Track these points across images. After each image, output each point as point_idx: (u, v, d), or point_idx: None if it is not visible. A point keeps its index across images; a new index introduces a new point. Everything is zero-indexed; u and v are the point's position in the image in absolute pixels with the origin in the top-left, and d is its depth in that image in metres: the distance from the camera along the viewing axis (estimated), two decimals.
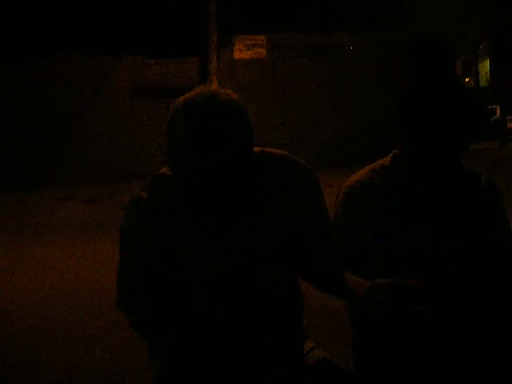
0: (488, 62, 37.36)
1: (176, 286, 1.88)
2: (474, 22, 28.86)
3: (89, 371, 4.46)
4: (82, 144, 16.76)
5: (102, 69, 16.92)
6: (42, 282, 7.00)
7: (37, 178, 15.83)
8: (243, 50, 17.80)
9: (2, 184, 15.27)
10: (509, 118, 25.29)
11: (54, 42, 16.37)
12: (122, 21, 17.03)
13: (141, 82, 17.12)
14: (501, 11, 25.77)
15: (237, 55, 17.71)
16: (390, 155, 2.17)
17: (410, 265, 2.02)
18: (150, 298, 1.92)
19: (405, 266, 2.01)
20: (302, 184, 1.95)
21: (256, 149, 1.88)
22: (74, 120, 16.76)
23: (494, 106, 28.55)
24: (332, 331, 4.41)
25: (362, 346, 2.15)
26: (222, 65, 17.08)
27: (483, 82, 38.20)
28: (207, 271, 1.85)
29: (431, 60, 2.04)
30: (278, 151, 1.97)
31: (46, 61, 16.42)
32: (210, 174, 1.71)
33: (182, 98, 1.76)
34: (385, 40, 18.19)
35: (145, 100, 17.07)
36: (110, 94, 16.99)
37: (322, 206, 1.99)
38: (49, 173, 16.19)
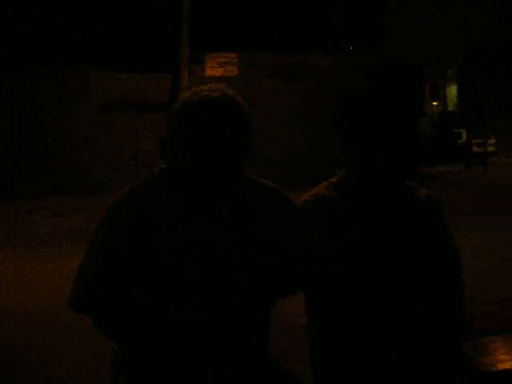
0: (455, 86, 37.92)
1: (154, 281, 1.92)
2: (443, 46, 29.30)
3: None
4: (53, 157, 16.63)
5: (73, 82, 16.84)
6: (6, 294, 6.94)
7: (6, 190, 15.64)
8: (215, 67, 17.88)
9: None
10: (474, 141, 25.65)
11: (24, 55, 16.27)
12: (94, 35, 16.99)
13: (111, 96, 17.09)
14: (467, 36, 26.23)
15: (209, 72, 17.78)
16: (340, 172, 2.28)
17: (363, 276, 2.11)
18: (119, 292, 1.94)
19: (358, 276, 2.11)
20: (286, 218, 2.06)
21: (252, 177, 2.07)
22: (44, 133, 16.64)
23: (460, 130, 28.96)
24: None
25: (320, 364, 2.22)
26: (194, 81, 17.12)
27: (451, 107, 38.72)
28: (188, 265, 1.91)
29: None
30: (271, 184, 2.11)
31: (15, 74, 16.29)
32: (202, 159, 1.89)
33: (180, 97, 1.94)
34: (360, 59, 18.35)
35: (115, 114, 17.02)
36: (80, 107, 16.92)
37: (302, 248, 2.07)
38: (18, 185, 16.02)
